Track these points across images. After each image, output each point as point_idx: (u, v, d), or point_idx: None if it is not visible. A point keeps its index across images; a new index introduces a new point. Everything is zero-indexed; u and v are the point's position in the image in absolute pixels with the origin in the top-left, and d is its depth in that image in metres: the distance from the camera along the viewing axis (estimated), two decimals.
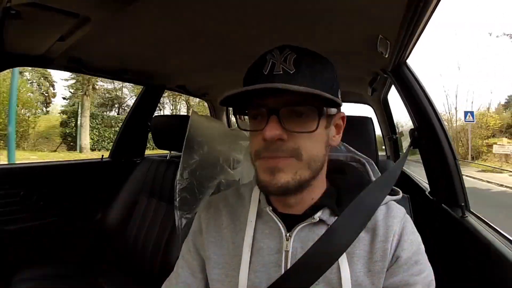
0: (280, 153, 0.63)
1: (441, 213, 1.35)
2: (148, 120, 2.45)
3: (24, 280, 1.53)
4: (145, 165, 2.06)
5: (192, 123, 1.72)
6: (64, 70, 1.75)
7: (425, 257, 0.70)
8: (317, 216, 0.69)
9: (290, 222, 0.71)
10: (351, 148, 0.90)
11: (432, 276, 0.69)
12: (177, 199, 1.62)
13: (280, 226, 0.71)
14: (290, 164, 0.64)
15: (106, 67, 1.93)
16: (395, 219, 0.71)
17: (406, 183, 2.15)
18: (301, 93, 0.59)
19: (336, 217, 0.70)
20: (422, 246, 0.71)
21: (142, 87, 2.48)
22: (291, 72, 0.63)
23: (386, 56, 1.31)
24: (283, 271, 0.68)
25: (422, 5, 0.90)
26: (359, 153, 0.89)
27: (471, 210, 1.29)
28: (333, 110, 0.69)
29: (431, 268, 0.70)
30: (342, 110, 0.75)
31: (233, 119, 3.56)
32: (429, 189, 1.60)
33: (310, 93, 0.59)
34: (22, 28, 1.14)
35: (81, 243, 2.01)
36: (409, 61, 1.46)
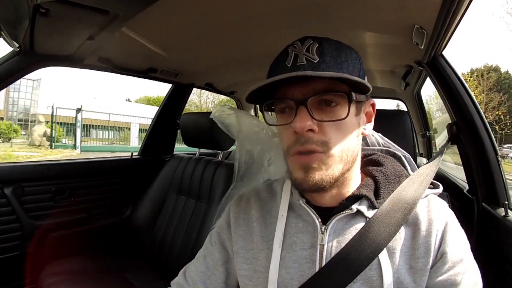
0: (311, 145, 0.61)
1: (482, 212, 1.28)
2: (177, 118, 2.48)
3: (53, 274, 1.57)
4: (174, 162, 2.08)
5: (240, 119, 1.72)
6: (94, 69, 1.76)
7: (470, 254, 0.66)
8: (355, 207, 0.66)
9: (325, 214, 0.68)
10: (387, 140, 0.86)
11: (478, 275, 0.65)
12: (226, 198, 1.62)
13: (315, 218, 0.68)
14: (322, 160, 0.62)
15: (135, 66, 1.95)
16: (437, 213, 0.67)
17: (441, 181, 2.05)
18: (329, 80, 0.58)
19: (374, 210, 0.66)
20: (468, 243, 0.67)
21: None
22: (315, 62, 0.61)
23: (422, 47, 1.25)
24: (317, 267, 0.65)
25: None
26: (396, 146, 0.84)
27: None
28: (362, 97, 0.66)
29: (477, 266, 0.65)
30: None
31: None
32: (467, 187, 1.52)
33: (337, 79, 0.58)
34: (52, 27, 1.14)
35: (110, 239, 2.06)
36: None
